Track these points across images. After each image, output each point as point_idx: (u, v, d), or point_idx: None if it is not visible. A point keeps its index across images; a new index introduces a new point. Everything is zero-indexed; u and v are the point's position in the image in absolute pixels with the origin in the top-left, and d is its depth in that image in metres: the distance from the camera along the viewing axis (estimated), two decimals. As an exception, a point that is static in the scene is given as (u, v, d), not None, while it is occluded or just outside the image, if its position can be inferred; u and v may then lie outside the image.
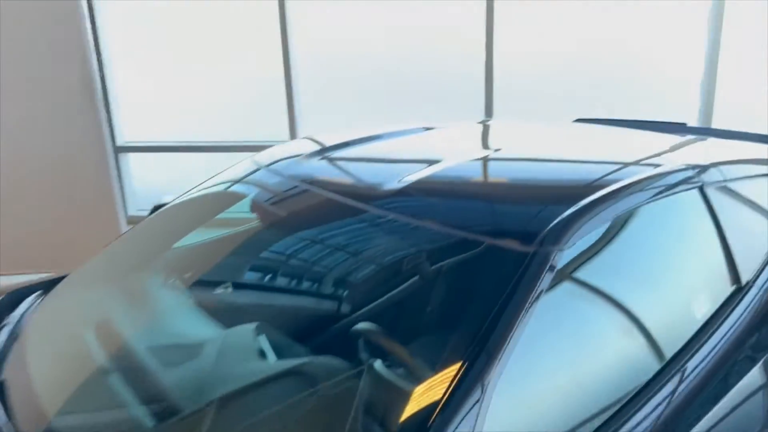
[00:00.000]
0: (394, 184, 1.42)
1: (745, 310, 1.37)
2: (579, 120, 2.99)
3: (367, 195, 1.43)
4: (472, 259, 1.20)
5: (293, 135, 4.45)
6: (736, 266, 1.42)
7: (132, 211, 4.96)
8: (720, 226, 1.44)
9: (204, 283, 1.71)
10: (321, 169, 1.67)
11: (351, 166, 1.70)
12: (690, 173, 1.47)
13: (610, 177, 1.44)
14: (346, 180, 1.58)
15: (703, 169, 1.53)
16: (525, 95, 4.25)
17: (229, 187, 1.80)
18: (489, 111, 4.22)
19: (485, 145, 1.80)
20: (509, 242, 1.16)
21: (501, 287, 1.11)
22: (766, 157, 1.90)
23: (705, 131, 2.57)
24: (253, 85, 4.59)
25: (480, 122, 2.24)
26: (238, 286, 1.63)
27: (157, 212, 2.03)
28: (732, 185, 1.57)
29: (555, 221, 1.19)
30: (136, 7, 4.47)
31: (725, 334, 1.32)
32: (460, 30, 4.19)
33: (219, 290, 1.67)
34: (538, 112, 4.25)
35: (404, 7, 4.22)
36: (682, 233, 1.42)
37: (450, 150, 1.74)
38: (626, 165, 1.53)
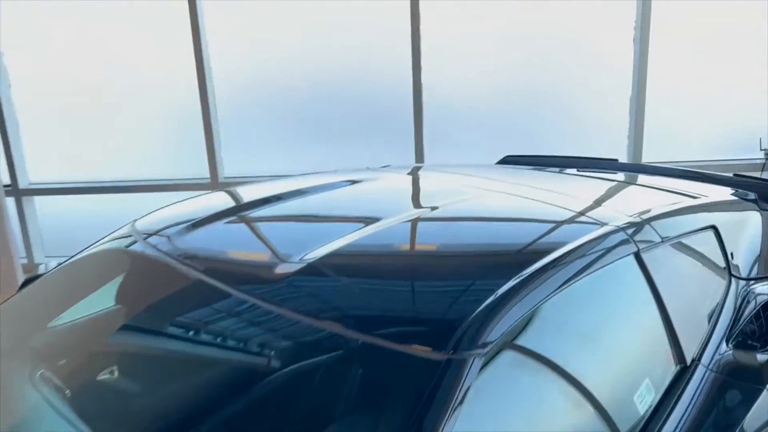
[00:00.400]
0: (293, 263, 1.19)
1: (694, 395, 1.20)
2: (508, 157, 2.85)
3: (258, 278, 1.19)
4: (372, 368, 0.98)
5: (213, 170, 4.17)
6: (680, 342, 1.26)
7: (39, 258, 4.55)
8: (659, 296, 1.27)
9: (72, 377, 1.43)
10: (212, 241, 1.42)
11: (253, 235, 1.46)
12: (623, 236, 1.30)
13: (538, 244, 1.27)
14: (237, 256, 1.33)
15: (638, 228, 1.36)
16: (454, 117, 4.14)
17: (102, 259, 1.52)
18: (419, 147, 4.07)
19: (407, 206, 1.57)
20: (415, 348, 0.95)
21: (406, 405, 0.90)
22: (700, 199, 1.78)
23: (637, 168, 2.46)
24: (173, 118, 4.29)
25: (409, 172, 2.04)
26: (105, 381, 1.35)
27: (26, 288, 1.73)
28: (670, 244, 1.41)
29: (472, 316, 0.98)
30: (40, 37, 4.11)
31: (677, 426, 1.14)
32: (387, 54, 4.04)
33: (88, 385, 1.39)
34: (470, 137, 4.14)
35: (329, 31, 4.05)
36: (617, 309, 1.25)
37: (369, 211, 1.54)
38: (557, 225, 1.36)
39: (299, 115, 4.21)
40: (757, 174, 3.85)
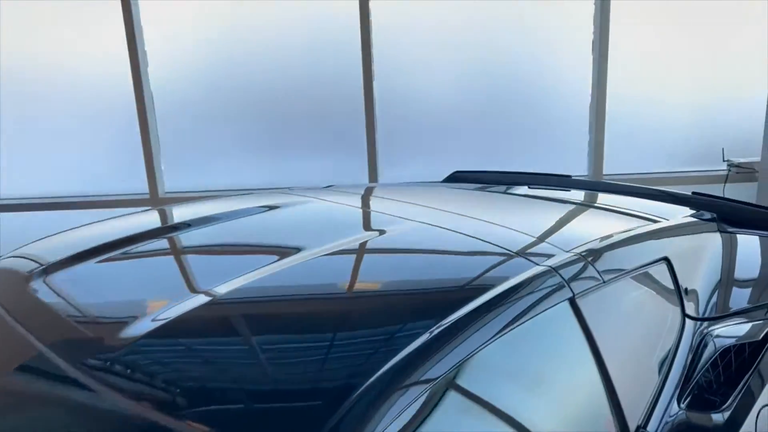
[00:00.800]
0: (142, 325, 0.96)
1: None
2: (456, 173, 2.67)
3: (91, 347, 0.96)
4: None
5: (152, 185, 3.89)
6: (622, 406, 1.06)
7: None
8: (598, 351, 1.07)
9: None
10: (65, 287, 1.18)
11: (117, 280, 1.22)
12: (557, 279, 1.10)
13: (453, 295, 1.06)
14: (79, 312, 1.09)
15: (576, 267, 1.16)
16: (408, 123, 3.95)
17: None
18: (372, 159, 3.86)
19: (312, 242, 1.34)
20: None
21: None
22: (652, 225, 1.59)
23: (589, 185, 2.29)
24: (111, 128, 4.01)
25: (338, 196, 1.81)
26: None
27: None
28: (613, 284, 1.21)
29: (347, 401, 0.77)
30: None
31: None
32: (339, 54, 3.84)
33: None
34: (430, 147, 3.96)
35: (280, 33, 3.83)
36: (546, 372, 1.04)
37: (268, 249, 1.33)
38: (480, 273, 1.15)
39: (253, 125, 3.97)
40: (720, 186, 3.73)
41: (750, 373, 1.27)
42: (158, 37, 3.80)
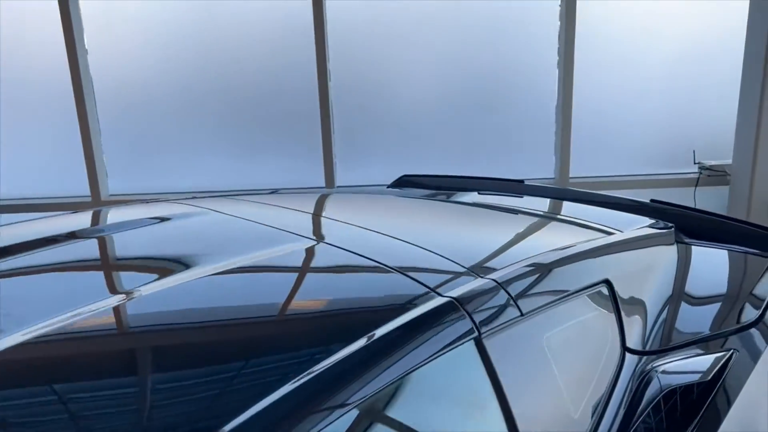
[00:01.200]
0: None
1: None
2: (404, 177, 2.48)
3: None
4: None
5: (94, 186, 3.66)
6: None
7: None
8: (508, 405, 0.88)
9: None
10: None
11: None
12: (459, 314, 0.90)
13: (334, 334, 0.87)
14: None
15: (488, 298, 0.97)
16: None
17: None
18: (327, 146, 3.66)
19: (193, 261, 1.13)
20: None
21: None
22: (595, 241, 1.40)
23: (542, 191, 2.10)
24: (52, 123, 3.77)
25: (257, 204, 1.61)
26: None
27: None
28: (535, 316, 1.02)
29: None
30: None
31: None
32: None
33: None
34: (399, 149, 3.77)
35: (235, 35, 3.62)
36: (444, 422, 0.84)
37: (143, 268, 1.13)
38: (374, 311, 0.96)
39: (212, 126, 3.76)
40: (691, 189, 3.58)
41: (698, 418, 1.09)
42: (105, 34, 3.57)
